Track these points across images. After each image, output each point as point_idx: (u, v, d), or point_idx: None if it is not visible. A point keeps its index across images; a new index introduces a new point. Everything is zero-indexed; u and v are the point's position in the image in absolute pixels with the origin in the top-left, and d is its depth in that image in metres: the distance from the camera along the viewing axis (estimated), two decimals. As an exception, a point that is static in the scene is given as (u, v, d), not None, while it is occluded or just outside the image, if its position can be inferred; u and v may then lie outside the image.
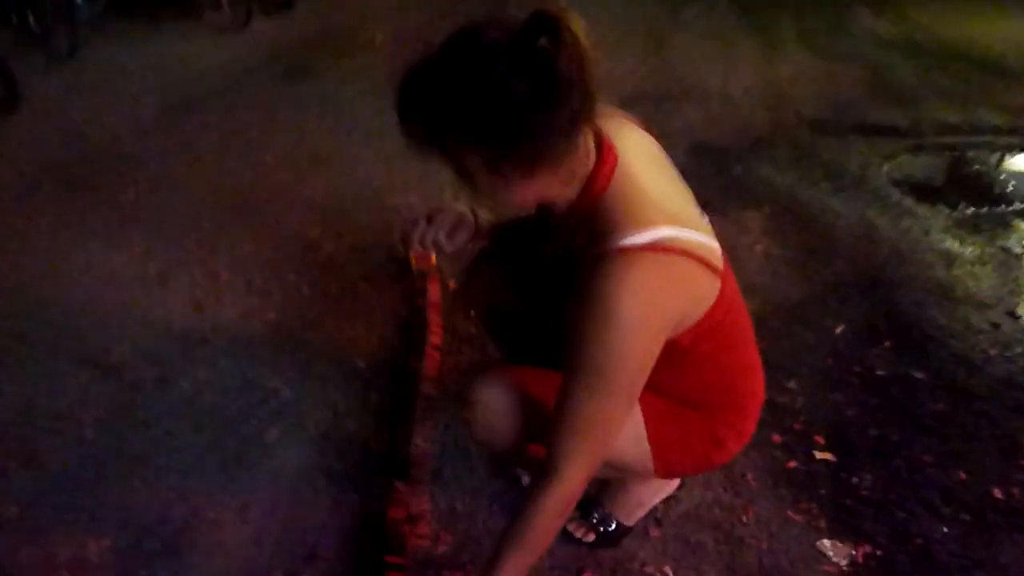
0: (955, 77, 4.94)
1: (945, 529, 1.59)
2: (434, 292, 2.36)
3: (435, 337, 2.12)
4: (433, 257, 2.55)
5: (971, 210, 3.13)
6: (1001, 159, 3.74)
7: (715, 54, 5.53)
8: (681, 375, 1.22)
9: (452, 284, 2.49)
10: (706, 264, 1.09)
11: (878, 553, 1.54)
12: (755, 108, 4.32)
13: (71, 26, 5.03)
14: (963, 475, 1.74)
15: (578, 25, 0.95)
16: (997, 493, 1.68)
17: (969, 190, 3.39)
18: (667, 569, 1.49)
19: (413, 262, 2.54)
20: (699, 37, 6.10)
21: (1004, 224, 3.01)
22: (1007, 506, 1.65)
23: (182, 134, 4.00)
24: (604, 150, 1.10)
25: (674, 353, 1.13)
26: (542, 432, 1.16)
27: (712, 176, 3.34)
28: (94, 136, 3.94)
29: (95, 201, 3.18)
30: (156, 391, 2.01)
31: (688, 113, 4.19)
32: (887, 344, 2.25)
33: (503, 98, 0.97)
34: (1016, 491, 1.69)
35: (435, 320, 2.20)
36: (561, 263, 1.16)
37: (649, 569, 1.49)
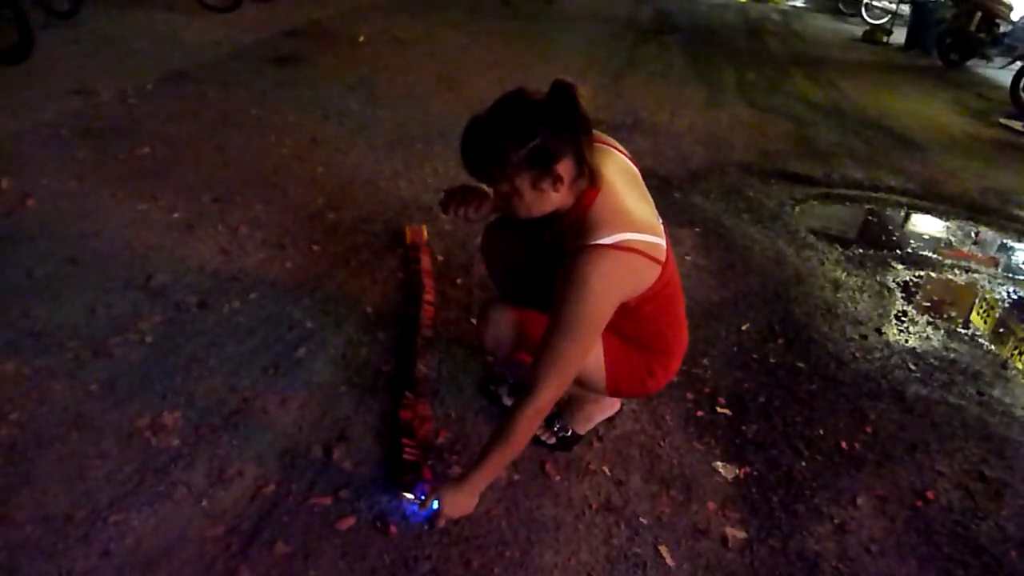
0: (866, 141, 5.74)
1: (803, 464, 2.18)
2: (426, 261, 2.85)
3: (429, 294, 2.61)
4: (424, 233, 3.05)
5: (860, 250, 3.82)
6: (891, 213, 4.48)
7: (664, 93, 6.21)
8: (630, 324, 1.76)
9: (440, 257, 2.99)
10: (651, 257, 1.64)
11: (755, 473, 2.11)
12: (695, 145, 4.97)
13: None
14: (821, 431, 2.34)
15: (583, 90, 1.50)
16: (843, 445, 2.28)
17: (861, 235, 4.11)
18: (605, 468, 2.03)
19: (408, 235, 3.03)
20: (652, 76, 6.79)
21: (884, 264, 3.70)
22: (849, 454, 2.25)
23: (184, 102, 4.37)
24: (594, 174, 1.62)
25: (626, 310, 1.67)
26: (527, 348, 1.69)
27: (653, 197, 3.93)
28: (102, 92, 4.28)
29: (114, 153, 3.55)
30: (199, 312, 2.44)
31: (637, 142, 4.82)
32: (780, 341, 2.86)
33: (547, 136, 1.50)
34: (857, 445, 2.29)
35: (428, 282, 2.69)
36: (553, 246, 1.69)
37: (592, 466, 2.02)
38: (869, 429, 2.39)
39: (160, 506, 1.71)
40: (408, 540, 1.71)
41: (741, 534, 1.89)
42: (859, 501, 2.07)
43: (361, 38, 6.57)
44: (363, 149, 4.05)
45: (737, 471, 2.11)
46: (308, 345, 2.34)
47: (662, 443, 2.17)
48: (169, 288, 2.54)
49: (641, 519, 1.88)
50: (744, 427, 2.31)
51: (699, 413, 2.34)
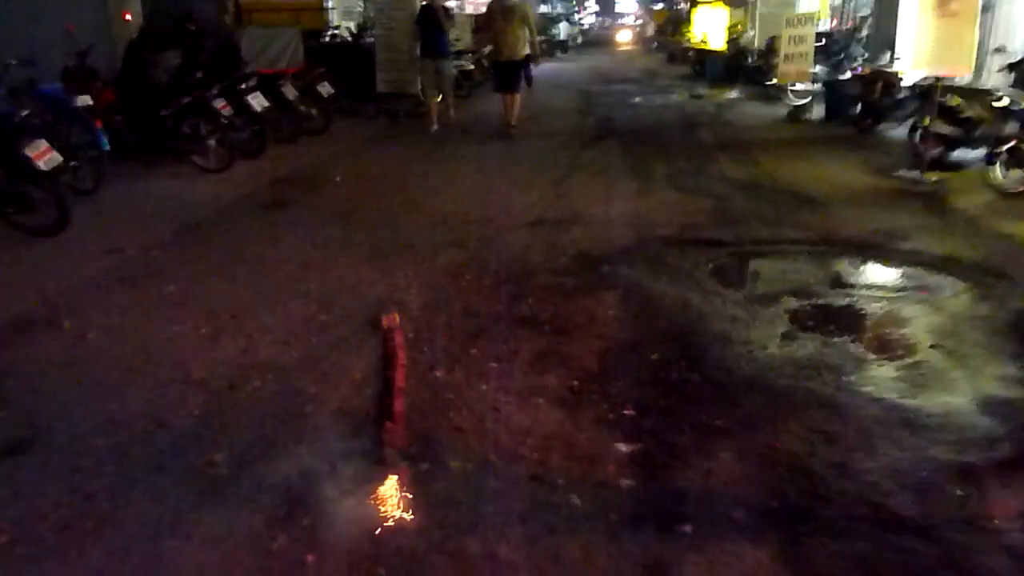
0: (775, 206, 6.70)
1: (685, 438, 2.95)
2: (399, 338, 3.69)
3: (402, 360, 3.44)
4: (397, 319, 3.90)
5: (759, 292, 4.67)
6: (789, 260, 5.36)
7: (601, 190, 7.24)
8: None
9: (410, 335, 3.83)
10: None
11: (646, 447, 2.87)
12: (624, 228, 5.91)
13: (97, 163, 6.33)
14: (703, 418, 3.11)
15: None
16: (717, 422, 3.06)
17: (761, 280, 4.97)
18: (534, 455, 2.80)
19: (384, 323, 3.89)
20: (591, 176, 7.86)
21: (777, 300, 4.52)
22: (720, 428, 3.02)
23: (196, 248, 5.33)
24: None
25: None
26: None
27: (586, 273, 4.84)
28: (128, 248, 5.23)
29: (146, 292, 4.46)
30: (230, 392, 3.25)
31: (575, 232, 5.76)
32: (681, 363, 3.65)
33: None
34: (729, 422, 3.06)
35: (400, 352, 3.52)
36: None
37: (523, 455, 2.79)
38: (740, 412, 3.17)
39: (219, 508, 2.48)
40: (390, 500, 2.47)
41: (631, 482, 2.64)
42: (722, 455, 2.83)
43: (338, 178, 7.66)
44: (345, 266, 4.97)
45: (633, 447, 2.88)
46: (313, 404, 3.15)
47: (578, 436, 2.95)
48: (205, 379, 3.37)
49: (558, 481, 2.64)
50: (643, 421, 3.09)
51: (609, 416, 3.12)
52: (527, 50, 10.47)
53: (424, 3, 10.54)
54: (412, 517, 2.45)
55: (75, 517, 2.45)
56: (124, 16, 9.09)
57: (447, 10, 10.75)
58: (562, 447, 2.88)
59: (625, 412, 3.16)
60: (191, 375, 3.41)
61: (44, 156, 5.02)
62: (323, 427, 2.98)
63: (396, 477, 2.60)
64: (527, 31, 10.42)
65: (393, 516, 2.46)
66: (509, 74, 10.45)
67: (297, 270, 4.88)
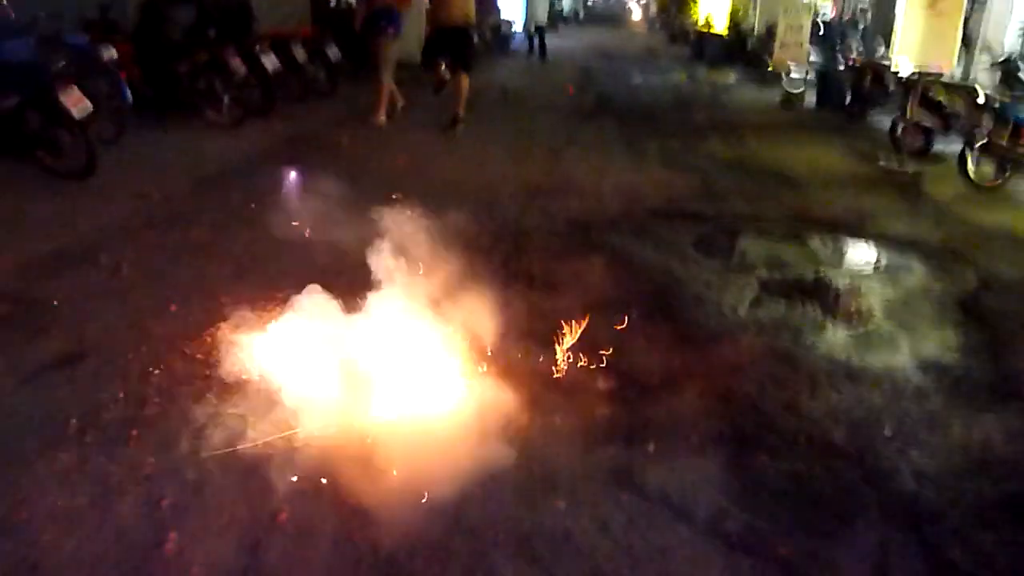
0: (757, 184, 7.11)
1: (655, 380, 3.38)
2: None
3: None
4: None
5: (734, 261, 5.09)
6: (766, 234, 5.77)
7: (595, 163, 7.63)
8: None
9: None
10: None
11: (620, 388, 3.30)
12: (614, 199, 6.31)
13: (120, 114, 6.65)
14: (673, 364, 3.54)
15: None
16: (685, 368, 3.49)
17: (734, 251, 5.38)
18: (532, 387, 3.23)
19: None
20: (586, 150, 8.24)
21: (750, 269, 4.95)
22: (689, 372, 3.45)
23: (215, 198, 5.71)
24: None
25: None
26: None
27: (576, 238, 5.25)
28: (153, 196, 5.60)
29: (172, 234, 4.84)
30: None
31: (568, 201, 6.15)
32: (657, 319, 4.08)
33: None
34: (695, 371, 3.49)
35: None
36: None
37: (525, 381, 3.22)
38: (705, 360, 3.60)
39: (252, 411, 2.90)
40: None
41: (605, 411, 3.08)
42: (685, 394, 3.27)
43: (344, 140, 8.00)
44: (348, 224, 5.29)
45: (609, 384, 3.31)
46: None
47: (561, 374, 3.38)
48: (234, 306, 3.75)
49: (543, 405, 3.07)
50: (619, 363, 3.52)
51: (589, 358, 3.55)
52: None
53: None
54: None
55: (131, 412, 2.87)
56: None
57: None
58: (546, 382, 3.30)
59: (603, 356, 3.59)
60: (219, 304, 3.81)
61: (77, 104, 5.36)
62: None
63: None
64: None
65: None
66: (453, 45, 8.46)
67: (306, 224, 5.25)
